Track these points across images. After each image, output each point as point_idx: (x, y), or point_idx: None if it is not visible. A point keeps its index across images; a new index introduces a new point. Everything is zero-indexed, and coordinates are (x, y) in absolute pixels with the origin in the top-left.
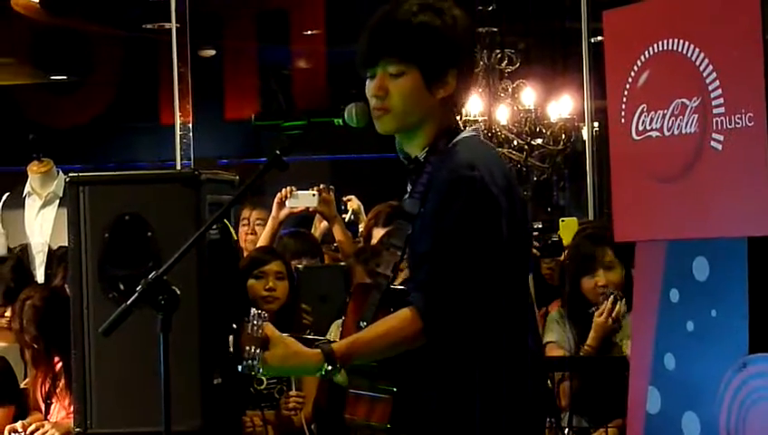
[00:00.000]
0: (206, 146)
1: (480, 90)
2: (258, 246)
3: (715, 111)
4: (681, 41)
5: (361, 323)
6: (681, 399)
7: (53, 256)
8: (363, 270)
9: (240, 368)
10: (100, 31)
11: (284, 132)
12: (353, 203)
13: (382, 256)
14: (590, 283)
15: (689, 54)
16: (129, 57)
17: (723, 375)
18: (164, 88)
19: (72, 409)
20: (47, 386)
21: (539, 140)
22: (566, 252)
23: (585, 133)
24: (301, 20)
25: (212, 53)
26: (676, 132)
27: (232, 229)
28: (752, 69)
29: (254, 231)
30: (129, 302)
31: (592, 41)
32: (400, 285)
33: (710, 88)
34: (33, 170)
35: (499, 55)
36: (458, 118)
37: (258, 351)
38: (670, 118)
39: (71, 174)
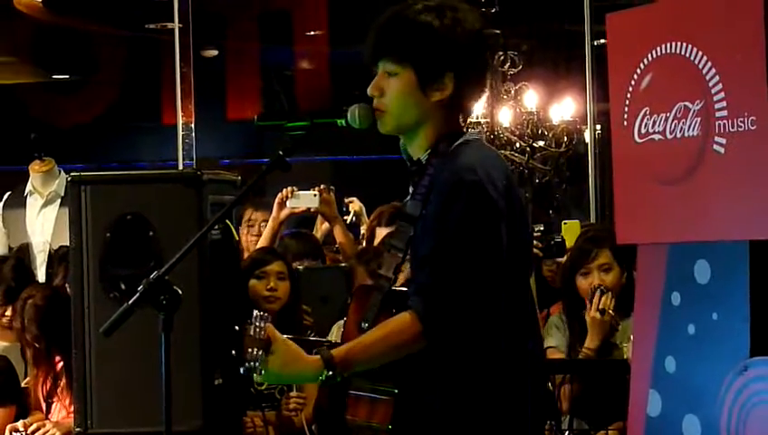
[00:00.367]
0: (208, 146)
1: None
2: (259, 246)
3: (717, 114)
4: (684, 44)
5: (363, 325)
6: (682, 402)
7: (55, 256)
8: (365, 271)
9: (242, 370)
10: (102, 30)
11: (287, 133)
12: (355, 205)
13: (383, 257)
14: (585, 283)
15: (692, 58)
16: (132, 57)
17: (724, 378)
18: (166, 88)
19: (72, 408)
20: (48, 385)
21: (541, 143)
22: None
23: (587, 136)
24: (303, 21)
25: (214, 53)
26: (678, 135)
27: (234, 230)
28: (754, 72)
29: (260, 232)
30: (130, 302)
31: (595, 43)
32: (401, 286)
33: (713, 91)
34: (35, 169)
35: (502, 57)
36: (464, 122)
37: (261, 353)
38: (673, 121)
39: (72, 173)
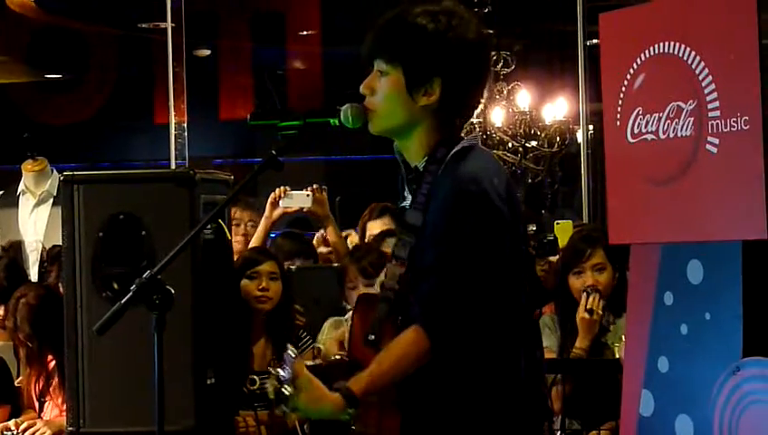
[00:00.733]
0: (201, 146)
1: None
2: (251, 246)
3: (710, 114)
4: (677, 44)
5: (369, 337)
6: (674, 401)
7: (47, 255)
8: (356, 269)
9: (283, 408)
10: (95, 30)
11: (280, 132)
12: (353, 238)
13: (387, 268)
14: (578, 283)
15: (685, 57)
16: (125, 56)
17: (716, 378)
18: (159, 87)
19: (64, 407)
20: (41, 384)
21: (534, 143)
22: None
23: (580, 136)
24: (296, 20)
25: (207, 52)
26: (671, 135)
27: (226, 229)
28: (747, 72)
29: (247, 232)
30: (122, 301)
31: (588, 43)
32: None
33: (706, 91)
34: (28, 169)
35: (494, 57)
36: (462, 128)
37: (291, 391)
38: (666, 121)
39: (65, 173)
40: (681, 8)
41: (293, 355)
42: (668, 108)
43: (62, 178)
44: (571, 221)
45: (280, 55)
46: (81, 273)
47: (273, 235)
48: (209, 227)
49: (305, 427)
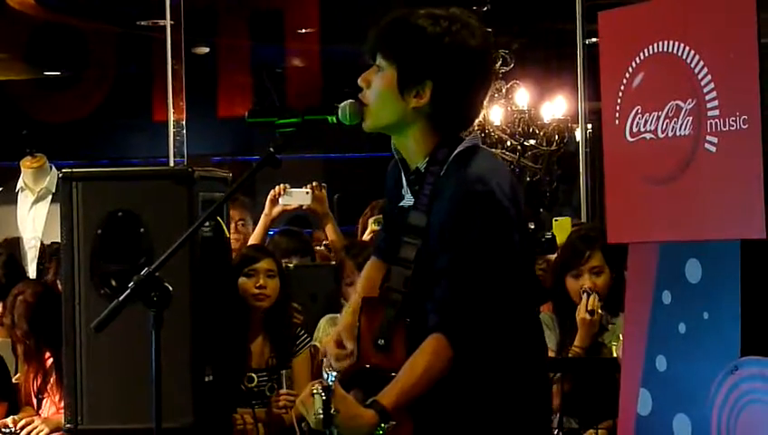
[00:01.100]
0: (199, 143)
1: None
2: (250, 243)
3: (709, 113)
4: (676, 43)
5: (379, 342)
6: (672, 401)
7: (46, 252)
8: (353, 264)
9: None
10: (94, 27)
11: (278, 130)
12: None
13: (392, 271)
14: (576, 285)
15: (684, 56)
16: (123, 54)
17: (714, 377)
18: (157, 85)
19: (62, 404)
20: (39, 382)
21: (532, 141)
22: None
23: (578, 134)
24: (295, 18)
25: (206, 50)
26: (670, 134)
27: (225, 226)
28: (746, 71)
29: (238, 230)
30: (120, 298)
31: (587, 42)
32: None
33: (705, 90)
34: (26, 166)
35: (493, 56)
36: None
37: (334, 411)
38: (665, 120)
39: (64, 170)
40: (680, 7)
41: (335, 377)
42: (667, 107)
43: (60, 175)
44: (569, 218)
45: (279, 53)
46: (80, 270)
47: (270, 232)
48: (208, 224)
49: (303, 425)
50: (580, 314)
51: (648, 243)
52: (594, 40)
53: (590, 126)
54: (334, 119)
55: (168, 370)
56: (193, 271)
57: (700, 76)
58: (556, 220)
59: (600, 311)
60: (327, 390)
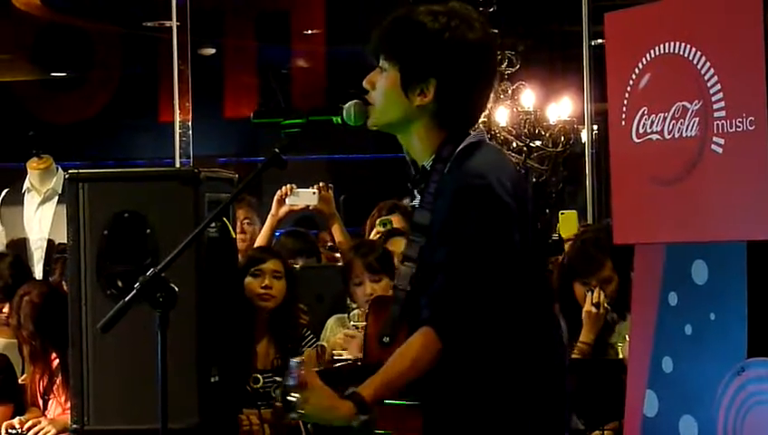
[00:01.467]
0: (205, 144)
1: None
2: (256, 244)
3: (715, 114)
4: (683, 44)
5: (384, 339)
6: (679, 402)
7: (52, 253)
8: (362, 264)
9: (292, 415)
10: (100, 28)
11: (283, 130)
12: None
13: (399, 269)
14: (583, 291)
15: (691, 57)
16: (129, 55)
17: (721, 379)
18: (164, 86)
19: (68, 405)
20: (45, 382)
21: (538, 142)
22: (566, 251)
23: (584, 136)
24: (301, 19)
25: (212, 51)
26: (676, 135)
27: (231, 227)
28: (753, 72)
29: (243, 230)
30: (126, 299)
31: (593, 43)
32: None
33: (711, 91)
34: (33, 167)
35: (499, 57)
36: (470, 127)
37: (299, 398)
38: (671, 121)
39: (70, 171)
40: (687, 8)
41: (297, 363)
42: (674, 108)
43: (67, 175)
44: (575, 212)
45: (284, 54)
46: (86, 270)
47: (277, 233)
48: (214, 225)
49: (309, 426)
50: (586, 307)
51: (655, 244)
52: (600, 41)
53: (596, 127)
54: (339, 119)
55: (173, 370)
56: (199, 272)
57: (706, 77)
58: (562, 213)
59: (606, 305)
60: (286, 377)
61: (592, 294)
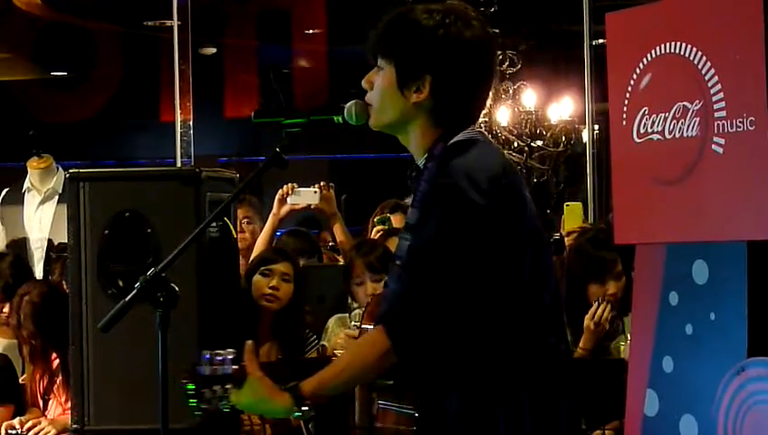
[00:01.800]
0: (206, 144)
1: None
2: (257, 243)
3: (716, 114)
4: (683, 44)
5: None
6: (679, 402)
7: (52, 252)
8: (363, 263)
9: (197, 408)
10: (101, 27)
11: (284, 130)
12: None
13: (391, 268)
14: (599, 290)
15: (691, 58)
16: (130, 54)
17: (721, 378)
18: (164, 85)
19: (68, 405)
20: (45, 382)
21: (539, 142)
22: (568, 249)
23: (586, 136)
24: (302, 19)
25: (213, 50)
26: (677, 135)
27: (232, 227)
28: (754, 73)
29: (242, 229)
30: (127, 298)
31: (594, 43)
32: None
33: (712, 91)
34: (33, 166)
35: (500, 57)
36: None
37: (228, 388)
38: (672, 121)
39: (71, 170)
40: (687, 8)
41: (208, 356)
42: (674, 108)
43: (67, 175)
44: (580, 204)
45: (286, 54)
46: (87, 270)
47: (278, 233)
48: (215, 224)
49: (310, 426)
50: (587, 319)
51: (655, 244)
52: (601, 41)
53: (597, 127)
54: (340, 119)
55: (174, 370)
56: (200, 271)
57: (707, 77)
58: (567, 205)
59: (607, 325)
60: (192, 372)
61: (598, 308)
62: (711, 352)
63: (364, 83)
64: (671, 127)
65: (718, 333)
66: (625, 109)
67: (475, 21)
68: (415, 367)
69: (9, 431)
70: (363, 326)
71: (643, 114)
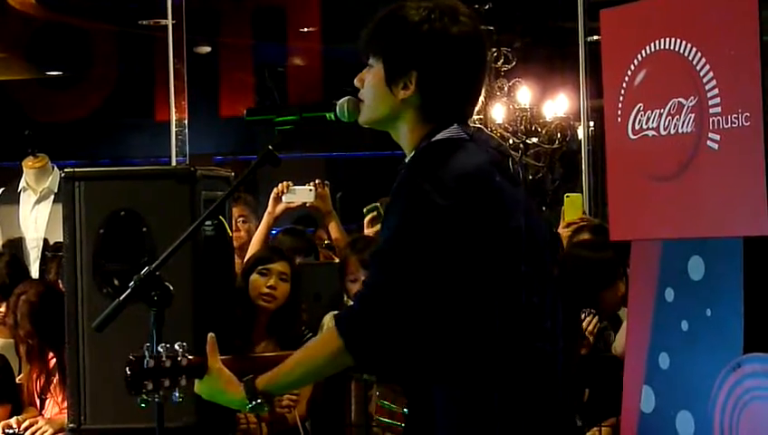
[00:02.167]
0: (201, 143)
1: None
2: (252, 242)
3: (711, 110)
4: (678, 40)
5: None
6: (675, 398)
7: (48, 252)
8: (357, 260)
9: (139, 400)
10: (96, 27)
11: (277, 127)
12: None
13: None
14: (615, 297)
15: (686, 54)
16: (125, 53)
17: (717, 375)
18: (159, 84)
19: (65, 405)
20: (41, 382)
21: (534, 139)
22: (565, 247)
23: (581, 132)
24: (297, 17)
25: (208, 49)
26: (672, 132)
27: (227, 226)
28: (749, 69)
29: (238, 228)
30: (121, 297)
31: (589, 40)
32: None
33: (707, 87)
34: (29, 166)
35: (495, 54)
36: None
37: (178, 380)
38: (667, 117)
39: (66, 170)
40: (682, 4)
41: (181, 350)
42: (669, 104)
43: (63, 174)
44: (580, 195)
45: (280, 52)
46: (82, 269)
47: (274, 231)
48: (210, 223)
49: (306, 424)
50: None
51: (651, 240)
52: (596, 38)
53: (592, 124)
54: (332, 116)
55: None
56: (195, 270)
57: (702, 73)
58: (567, 196)
59: (591, 338)
60: (136, 364)
61: (584, 319)
62: (707, 349)
63: (356, 82)
64: (666, 123)
65: (714, 329)
66: (620, 105)
67: (464, 17)
68: (376, 365)
69: (6, 431)
70: None
71: (638, 111)
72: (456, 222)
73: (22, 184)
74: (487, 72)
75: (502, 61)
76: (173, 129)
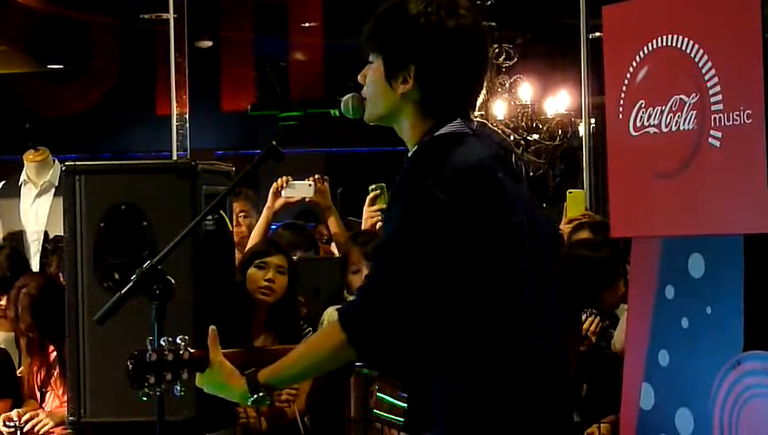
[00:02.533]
0: (203, 137)
1: None
2: (252, 236)
3: (713, 107)
4: (680, 37)
5: None
6: (675, 395)
7: (48, 245)
8: (360, 252)
9: (141, 394)
10: (97, 20)
11: (281, 123)
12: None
13: None
14: (615, 296)
15: (688, 51)
16: (127, 47)
17: (717, 372)
18: (161, 78)
19: (65, 398)
20: (42, 375)
21: (535, 136)
22: (566, 242)
23: (582, 129)
24: (299, 12)
25: (209, 44)
26: (674, 129)
27: (228, 220)
28: (750, 66)
29: (239, 223)
30: (123, 291)
31: (590, 37)
32: None
33: (709, 85)
34: (29, 159)
35: (497, 50)
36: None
37: (179, 373)
38: (668, 114)
39: (67, 163)
40: (684, 2)
41: (182, 343)
42: (671, 101)
43: (63, 168)
44: (582, 191)
45: (282, 47)
46: (83, 263)
47: (274, 226)
48: (211, 217)
49: (305, 419)
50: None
51: (652, 237)
52: (598, 34)
53: (593, 120)
54: (337, 112)
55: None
56: (195, 264)
57: (704, 70)
58: (570, 192)
59: (593, 338)
60: (139, 358)
61: (585, 320)
62: (707, 346)
63: (359, 78)
64: (668, 120)
65: (714, 326)
66: (621, 102)
67: (463, 10)
68: (379, 359)
69: (7, 424)
70: None
71: (639, 107)
72: (457, 217)
73: (23, 177)
74: (488, 67)
75: (503, 57)
76: (174, 123)
